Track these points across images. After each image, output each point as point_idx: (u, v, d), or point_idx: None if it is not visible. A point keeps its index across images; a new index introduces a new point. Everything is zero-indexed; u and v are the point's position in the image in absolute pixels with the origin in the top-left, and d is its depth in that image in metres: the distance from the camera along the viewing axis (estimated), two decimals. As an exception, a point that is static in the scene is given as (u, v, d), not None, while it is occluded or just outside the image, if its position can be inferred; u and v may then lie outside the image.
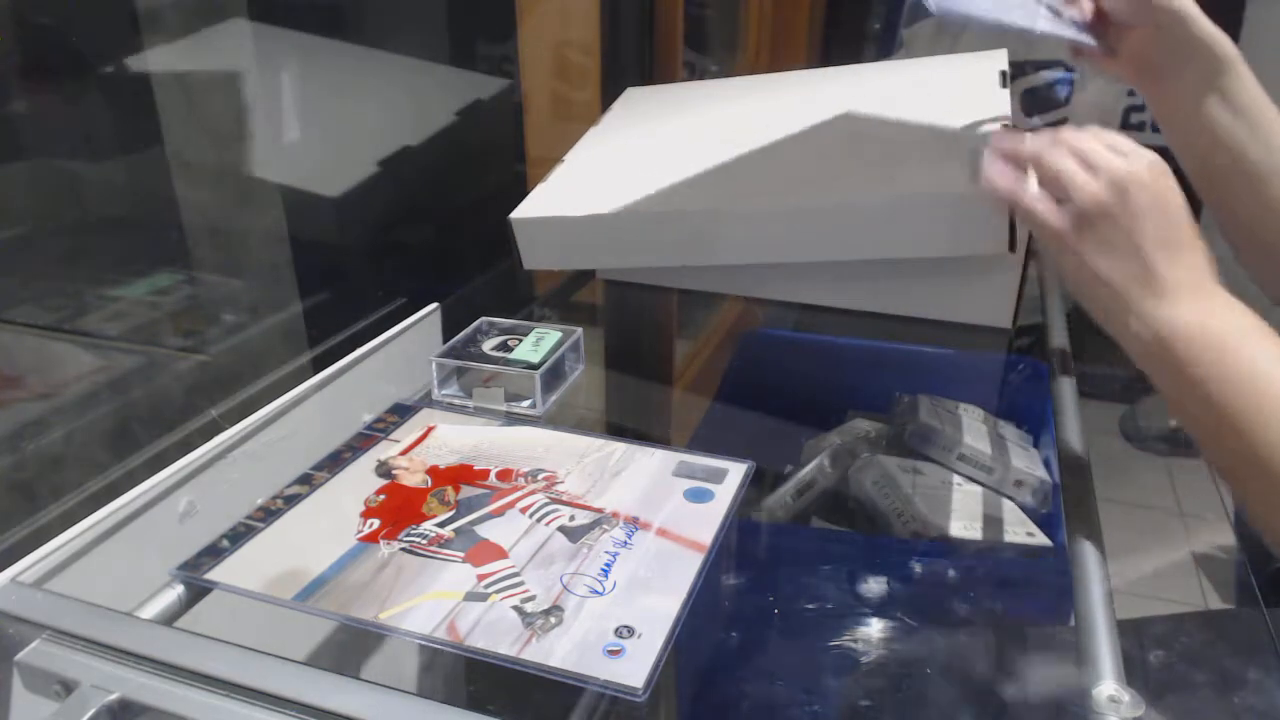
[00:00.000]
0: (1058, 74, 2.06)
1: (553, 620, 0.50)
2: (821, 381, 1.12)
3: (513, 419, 0.74)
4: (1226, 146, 0.63)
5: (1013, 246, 0.75)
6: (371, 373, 0.75)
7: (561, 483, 0.64)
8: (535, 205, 0.90)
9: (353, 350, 0.74)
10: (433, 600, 0.52)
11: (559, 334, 0.81)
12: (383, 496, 0.62)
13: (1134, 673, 0.46)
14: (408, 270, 1.04)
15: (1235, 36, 2.10)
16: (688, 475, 0.65)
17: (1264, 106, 0.63)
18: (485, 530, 0.59)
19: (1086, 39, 0.64)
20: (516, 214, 0.89)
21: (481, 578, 0.54)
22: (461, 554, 0.56)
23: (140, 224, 0.80)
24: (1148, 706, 0.44)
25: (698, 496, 0.62)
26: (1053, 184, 0.55)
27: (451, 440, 0.70)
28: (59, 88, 0.71)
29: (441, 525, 0.59)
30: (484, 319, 0.84)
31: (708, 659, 0.59)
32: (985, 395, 1.14)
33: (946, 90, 0.93)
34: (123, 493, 0.55)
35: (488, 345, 0.79)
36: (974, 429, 1.06)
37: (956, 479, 1.00)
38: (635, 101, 1.13)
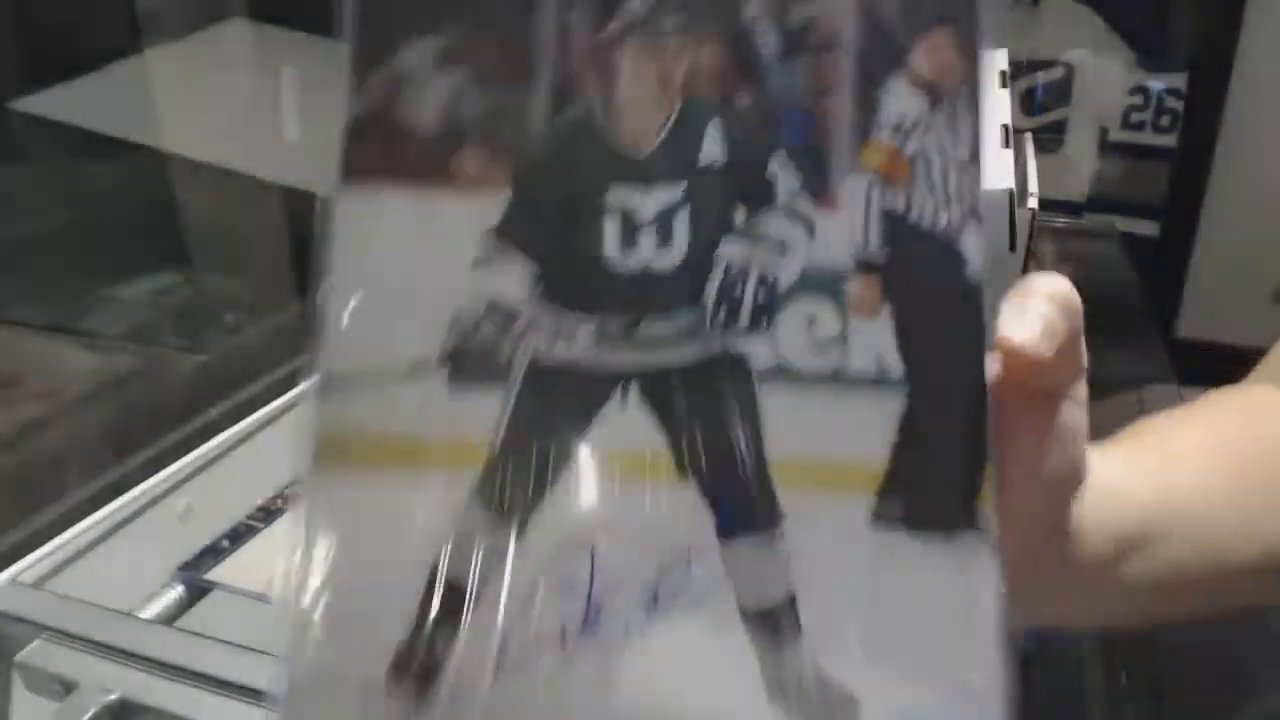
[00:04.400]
0: (1058, 74, 2.06)
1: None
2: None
3: (513, 419, 0.73)
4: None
5: (1013, 246, 0.75)
6: (371, 373, 0.75)
7: (562, 482, 0.63)
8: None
9: (353, 350, 0.74)
10: (433, 600, 0.51)
11: (559, 334, 0.80)
12: (383, 496, 0.62)
13: (1135, 673, 0.46)
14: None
15: (1235, 37, 2.07)
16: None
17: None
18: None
19: None
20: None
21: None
22: (462, 554, 0.56)
23: (140, 224, 0.80)
24: (1148, 706, 0.44)
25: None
26: None
27: (452, 440, 0.69)
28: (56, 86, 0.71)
29: (442, 525, 0.59)
30: (484, 319, 0.83)
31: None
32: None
33: (946, 90, 0.93)
34: (122, 493, 0.56)
35: (488, 345, 0.79)
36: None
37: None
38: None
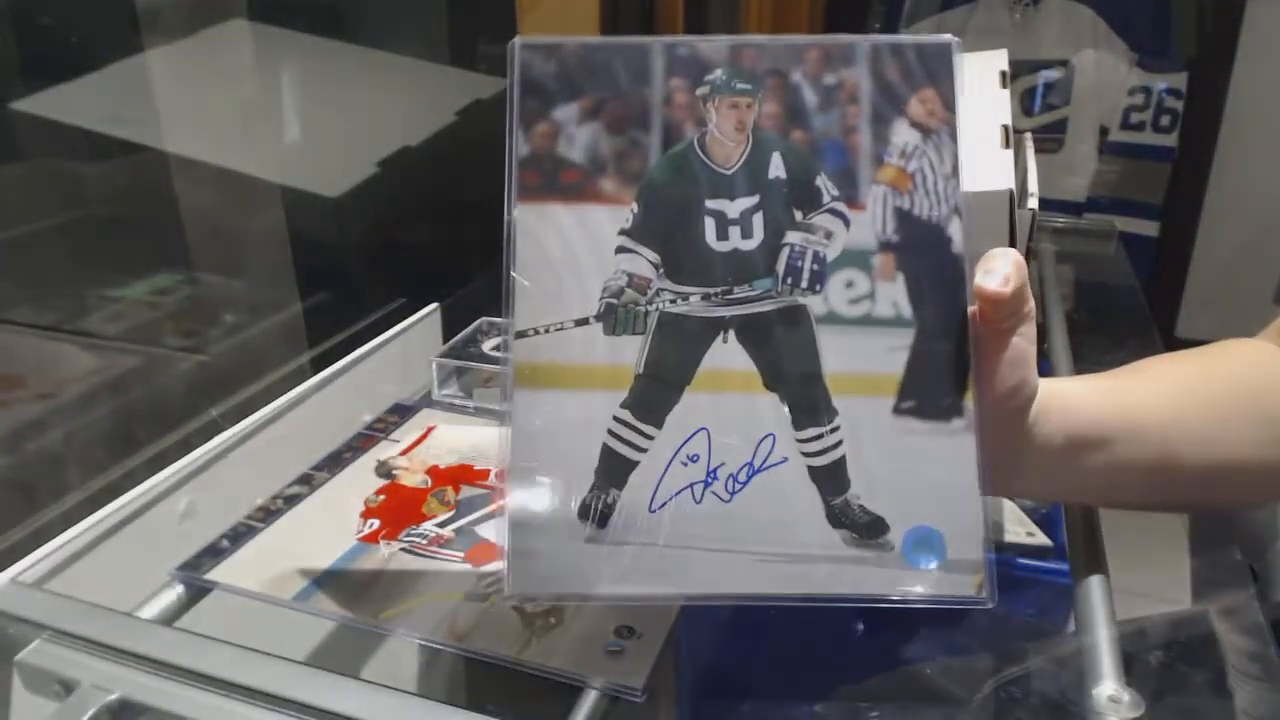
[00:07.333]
0: (1058, 74, 2.06)
1: (553, 620, 0.50)
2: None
3: (513, 419, 0.73)
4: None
5: (1013, 245, 0.75)
6: (371, 373, 0.75)
7: (561, 483, 0.63)
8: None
9: (353, 350, 0.74)
10: (433, 600, 0.52)
11: (559, 334, 0.80)
12: (383, 497, 0.62)
13: (1134, 673, 0.46)
14: (408, 270, 1.04)
15: (1235, 37, 2.07)
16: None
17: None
18: (485, 530, 0.59)
19: None
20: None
21: (482, 578, 0.54)
22: (461, 554, 0.56)
23: (140, 224, 0.80)
24: (1148, 706, 0.44)
25: (698, 496, 0.62)
26: None
27: (451, 440, 0.70)
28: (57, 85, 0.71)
29: (441, 525, 0.59)
30: (484, 319, 0.84)
31: (708, 659, 0.59)
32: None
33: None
34: (123, 493, 0.56)
35: (488, 345, 0.79)
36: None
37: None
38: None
